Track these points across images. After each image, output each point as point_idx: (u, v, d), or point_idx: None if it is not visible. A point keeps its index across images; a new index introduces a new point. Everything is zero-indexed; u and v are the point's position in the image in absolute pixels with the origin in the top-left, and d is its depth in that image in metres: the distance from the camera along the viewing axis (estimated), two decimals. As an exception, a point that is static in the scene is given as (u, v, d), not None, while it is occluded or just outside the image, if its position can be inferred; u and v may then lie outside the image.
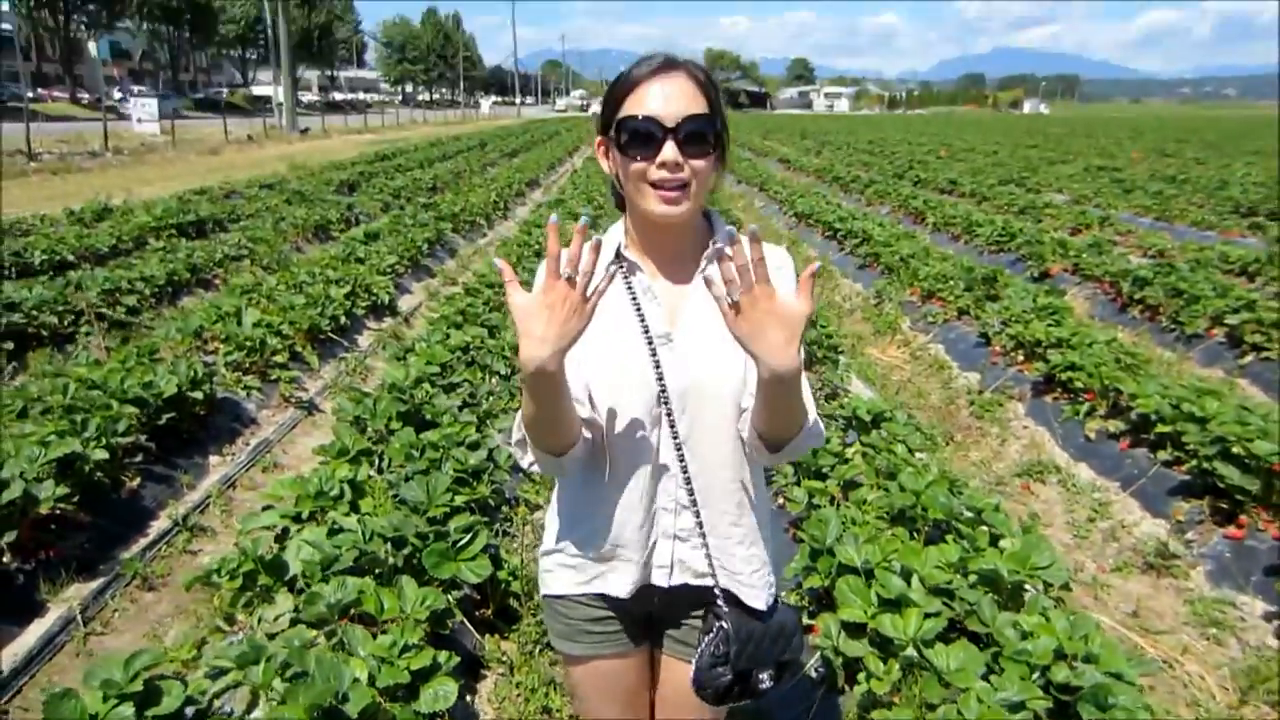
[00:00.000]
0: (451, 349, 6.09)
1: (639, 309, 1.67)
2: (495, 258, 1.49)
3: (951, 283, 8.68)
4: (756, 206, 17.63)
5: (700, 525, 1.71)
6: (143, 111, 35.21)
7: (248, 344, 6.52)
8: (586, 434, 1.65)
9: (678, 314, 1.70)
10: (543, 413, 1.55)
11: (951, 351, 7.76)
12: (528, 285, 1.44)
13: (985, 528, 3.63)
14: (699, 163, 1.57)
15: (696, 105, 1.57)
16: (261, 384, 6.38)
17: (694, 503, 1.70)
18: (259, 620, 3.09)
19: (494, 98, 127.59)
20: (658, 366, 1.64)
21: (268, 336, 6.70)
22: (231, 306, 7.16)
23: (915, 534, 3.65)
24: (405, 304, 9.46)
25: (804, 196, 15.95)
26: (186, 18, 67.08)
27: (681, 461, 1.68)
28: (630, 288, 1.69)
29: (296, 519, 3.78)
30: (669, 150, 1.54)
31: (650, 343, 1.65)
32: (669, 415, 1.66)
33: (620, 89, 1.60)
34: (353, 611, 2.96)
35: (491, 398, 5.70)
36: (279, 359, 6.70)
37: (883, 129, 53.64)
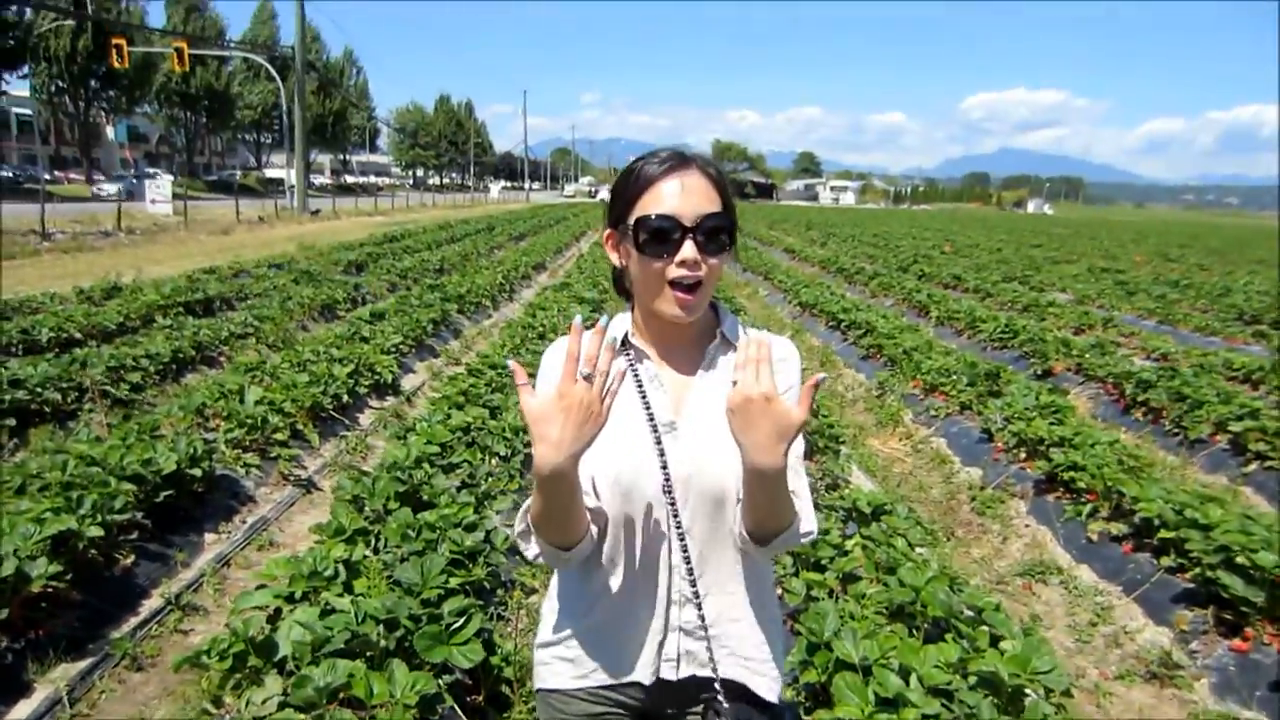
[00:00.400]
0: (452, 429, 6.08)
1: (644, 397, 1.68)
2: (509, 359, 1.49)
3: (954, 377, 8.69)
4: (761, 295, 17.76)
5: (703, 618, 1.68)
6: (156, 192, 35.72)
7: (249, 421, 6.52)
8: (594, 527, 1.63)
9: (683, 402, 1.70)
10: (554, 511, 1.53)
11: (954, 446, 7.73)
12: (531, 369, 1.44)
13: (985, 628, 3.58)
14: (715, 260, 1.59)
15: (712, 203, 1.59)
16: (261, 461, 6.36)
17: (696, 595, 1.67)
18: (246, 703, 3.03)
19: (503, 183, 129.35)
20: (662, 455, 1.63)
21: (269, 414, 6.70)
22: (234, 384, 7.18)
23: (914, 631, 3.60)
24: (408, 383, 9.47)
25: (809, 286, 16.11)
26: (204, 104, 68.41)
27: (685, 551, 1.65)
28: (637, 375, 1.70)
29: (289, 599, 3.73)
30: (689, 249, 1.56)
31: (655, 430, 1.65)
32: (672, 504, 1.64)
33: (635, 187, 1.61)
34: (342, 695, 2.91)
35: (490, 479, 5.68)
36: (280, 436, 6.69)
37: (888, 223, 54.27)
